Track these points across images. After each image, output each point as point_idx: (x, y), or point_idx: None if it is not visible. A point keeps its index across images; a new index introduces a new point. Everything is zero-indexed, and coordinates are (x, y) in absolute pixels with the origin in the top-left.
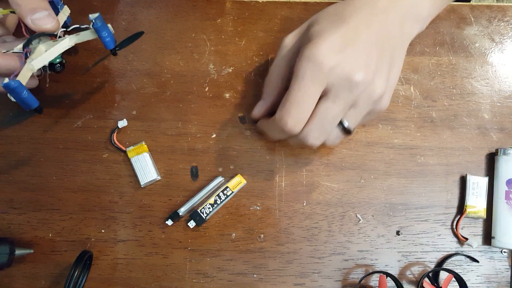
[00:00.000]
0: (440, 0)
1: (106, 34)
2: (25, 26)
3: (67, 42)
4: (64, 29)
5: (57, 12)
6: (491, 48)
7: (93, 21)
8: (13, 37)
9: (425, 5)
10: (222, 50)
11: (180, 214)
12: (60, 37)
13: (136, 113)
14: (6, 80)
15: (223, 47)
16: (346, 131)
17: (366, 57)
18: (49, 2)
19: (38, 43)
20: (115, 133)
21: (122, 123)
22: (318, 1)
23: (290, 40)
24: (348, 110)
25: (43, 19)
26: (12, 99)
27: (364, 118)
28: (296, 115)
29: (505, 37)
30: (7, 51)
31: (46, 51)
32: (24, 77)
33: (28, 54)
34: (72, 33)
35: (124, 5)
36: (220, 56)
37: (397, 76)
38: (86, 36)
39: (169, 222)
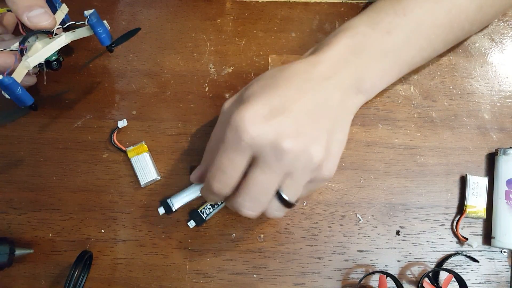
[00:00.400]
0: (392, 72)
1: (102, 30)
2: (22, 24)
3: (63, 39)
4: (60, 26)
5: (54, 10)
6: (491, 48)
7: (88, 17)
8: (11, 35)
9: (369, 77)
10: (222, 50)
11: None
12: (56, 34)
13: (136, 113)
14: (0, 77)
15: (223, 47)
16: (286, 203)
17: (296, 125)
18: (46, 0)
19: (35, 40)
20: (115, 133)
21: (122, 123)
22: (318, 1)
23: (227, 104)
24: (283, 180)
25: (39, 16)
26: (7, 96)
27: (306, 188)
28: (220, 180)
29: (505, 37)
30: (3, 49)
31: (42, 48)
32: (19, 74)
33: (24, 52)
34: (68, 30)
35: (124, 5)
36: (220, 56)
37: (341, 144)
38: (82, 33)
39: (161, 210)
